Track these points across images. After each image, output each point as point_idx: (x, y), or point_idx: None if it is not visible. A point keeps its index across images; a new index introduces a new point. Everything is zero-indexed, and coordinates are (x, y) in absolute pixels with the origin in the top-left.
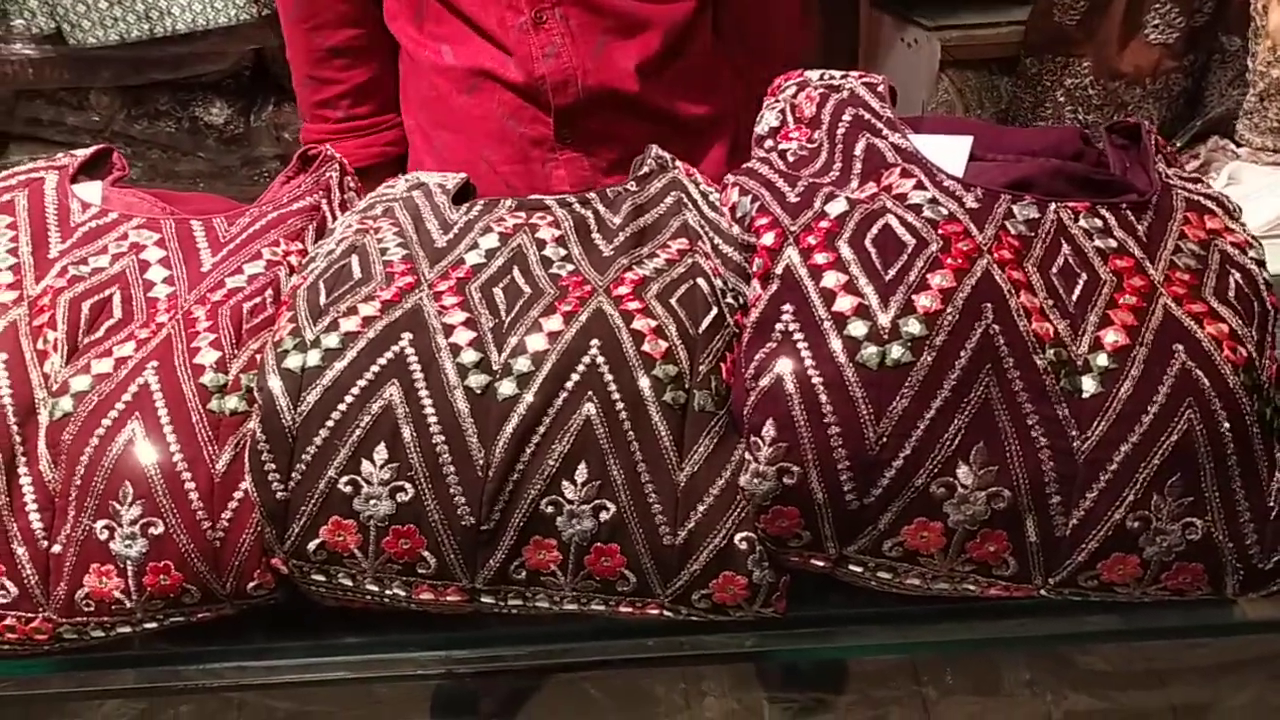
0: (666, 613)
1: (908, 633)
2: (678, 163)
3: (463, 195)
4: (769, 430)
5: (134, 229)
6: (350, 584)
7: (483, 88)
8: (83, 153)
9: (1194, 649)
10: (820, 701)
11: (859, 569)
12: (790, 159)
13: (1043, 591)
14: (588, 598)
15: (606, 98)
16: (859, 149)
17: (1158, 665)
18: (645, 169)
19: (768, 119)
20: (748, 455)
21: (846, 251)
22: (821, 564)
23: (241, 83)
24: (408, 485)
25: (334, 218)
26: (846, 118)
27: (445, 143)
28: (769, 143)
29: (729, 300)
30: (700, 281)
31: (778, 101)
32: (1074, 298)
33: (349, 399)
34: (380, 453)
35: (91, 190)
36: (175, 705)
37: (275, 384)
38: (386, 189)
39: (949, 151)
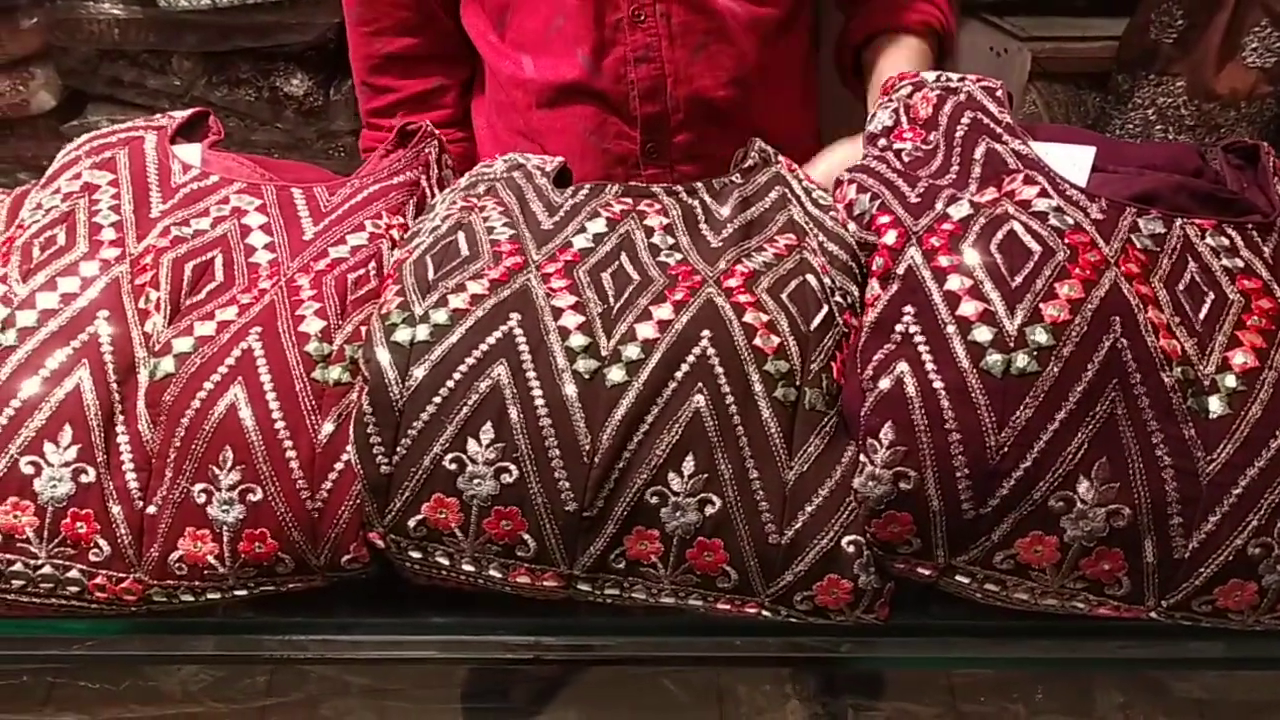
0: (765, 613)
1: (1009, 647)
2: (780, 157)
3: (560, 180)
4: (887, 433)
5: (235, 193)
6: (446, 563)
7: (565, 103)
8: (181, 114)
9: None
10: (905, 713)
11: (966, 580)
12: (906, 159)
13: (1153, 614)
14: (686, 592)
15: (696, 107)
16: (979, 153)
17: (1257, 696)
18: (749, 162)
19: (881, 118)
20: (862, 458)
21: (971, 256)
22: (927, 573)
23: (324, 55)
24: (512, 467)
25: (432, 194)
26: (965, 120)
27: (521, 150)
28: (882, 142)
29: (837, 299)
30: (810, 278)
31: (891, 101)
32: (1201, 316)
33: (457, 376)
34: (486, 432)
35: (191, 152)
36: (252, 674)
37: (384, 357)
38: (485, 168)
39: (1072, 161)
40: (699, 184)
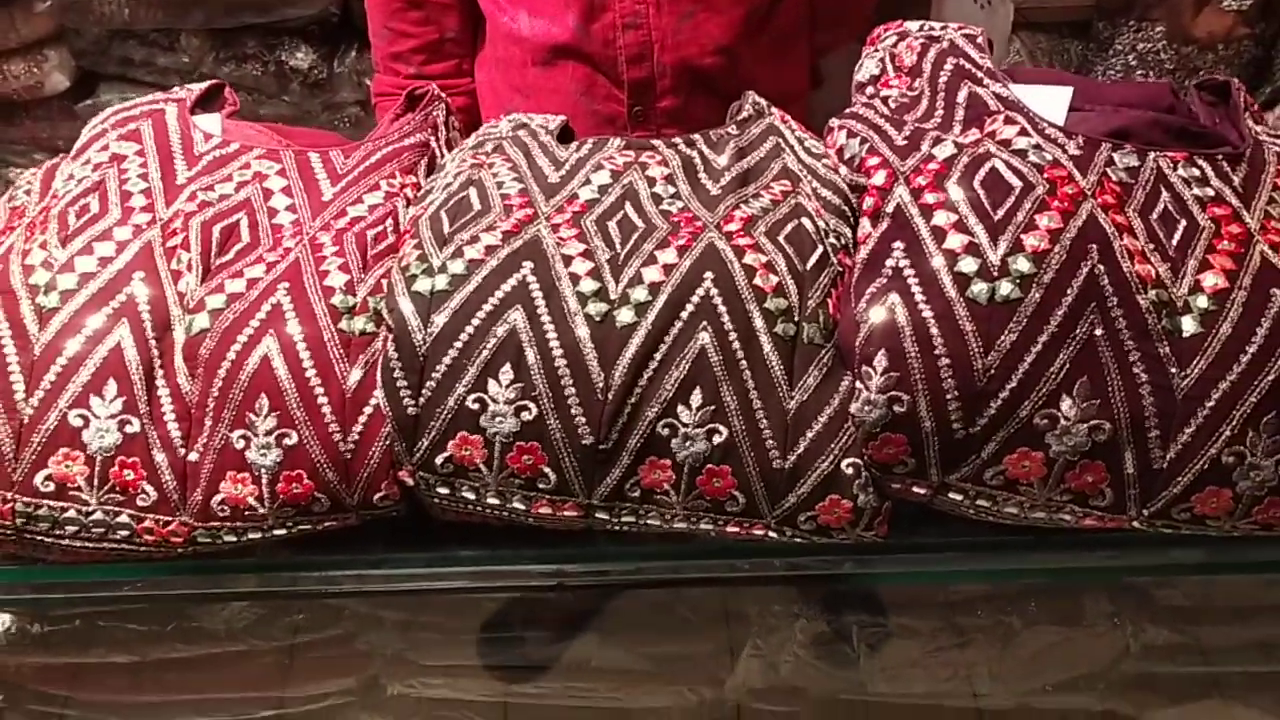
0: (771, 533)
1: (1001, 560)
2: (773, 109)
3: (563, 137)
4: (880, 360)
5: (255, 159)
6: (472, 497)
7: (557, 62)
8: (198, 86)
9: (1275, 586)
10: (906, 628)
11: (959, 497)
12: (892, 105)
13: (1136, 524)
14: (697, 517)
15: (682, 73)
16: (961, 97)
17: (1238, 601)
18: (744, 114)
19: (868, 67)
20: (858, 384)
21: (956, 192)
22: (922, 491)
23: (327, 29)
24: (531, 405)
25: (441, 154)
26: (948, 67)
27: (517, 107)
28: (870, 90)
29: (831, 240)
30: (805, 221)
31: (877, 51)
32: (1174, 242)
33: (475, 322)
34: (506, 373)
35: (211, 122)
36: (290, 611)
37: (406, 306)
38: (490, 128)
39: (1050, 101)
40: (697, 135)
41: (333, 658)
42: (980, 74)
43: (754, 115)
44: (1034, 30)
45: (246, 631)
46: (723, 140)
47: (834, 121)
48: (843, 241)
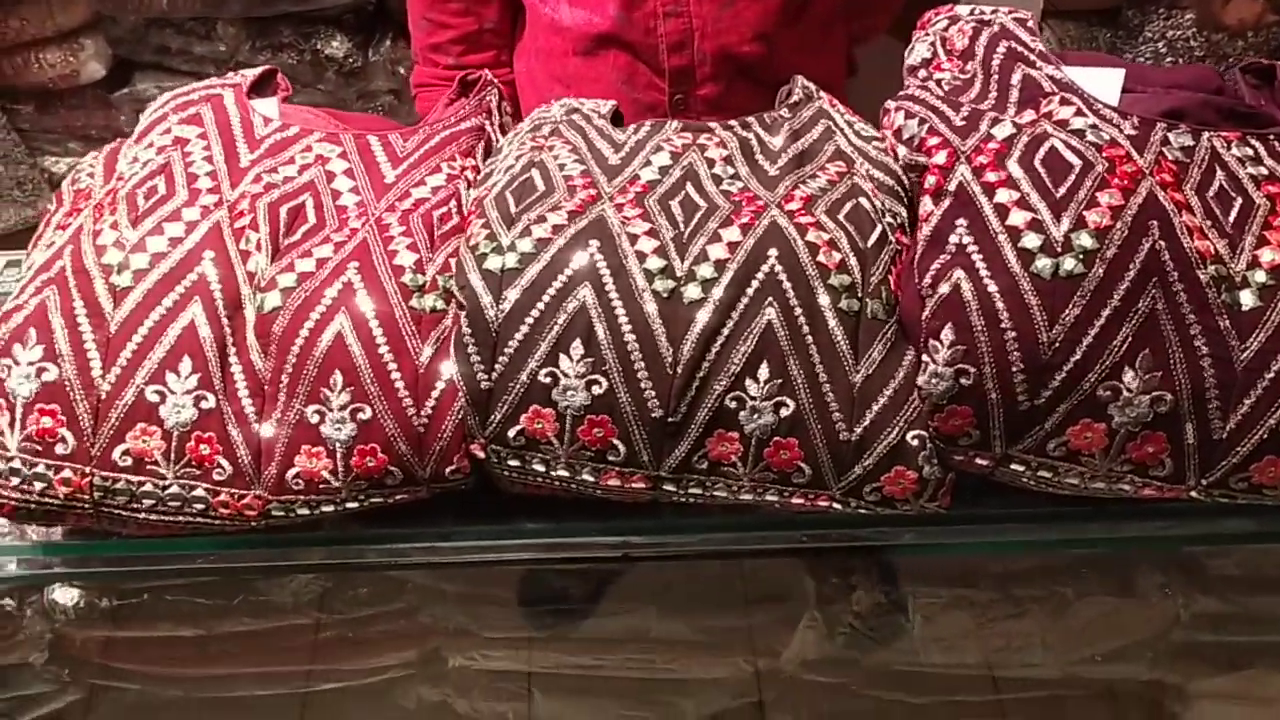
0: (836, 505)
1: (1058, 531)
2: (821, 93)
3: (613, 122)
4: (947, 334)
5: (316, 142)
6: (542, 469)
7: (598, 51)
8: (251, 72)
9: None
10: (962, 597)
11: (1020, 468)
12: (945, 88)
13: (1194, 494)
14: (763, 489)
15: (722, 61)
16: (1015, 79)
17: None
18: (795, 97)
19: (919, 51)
20: (925, 358)
21: (1017, 171)
22: (985, 463)
23: (362, 17)
24: (602, 379)
25: (496, 139)
26: (1001, 50)
27: (557, 96)
28: (922, 73)
29: (888, 219)
30: (862, 200)
31: (928, 35)
32: (1230, 219)
33: (546, 298)
34: (576, 348)
35: (268, 106)
36: (355, 585)
37: (478, 283)
38: (543, 112)
39: (1103, 82)
40: (750, 118)
41: (395, 631)
42: (1033, 56)
43: (804, 99)
44: (1063, 18)
45: (311, 605)
46: (776, 123)
47: (890, 104)
48: (899, 220)
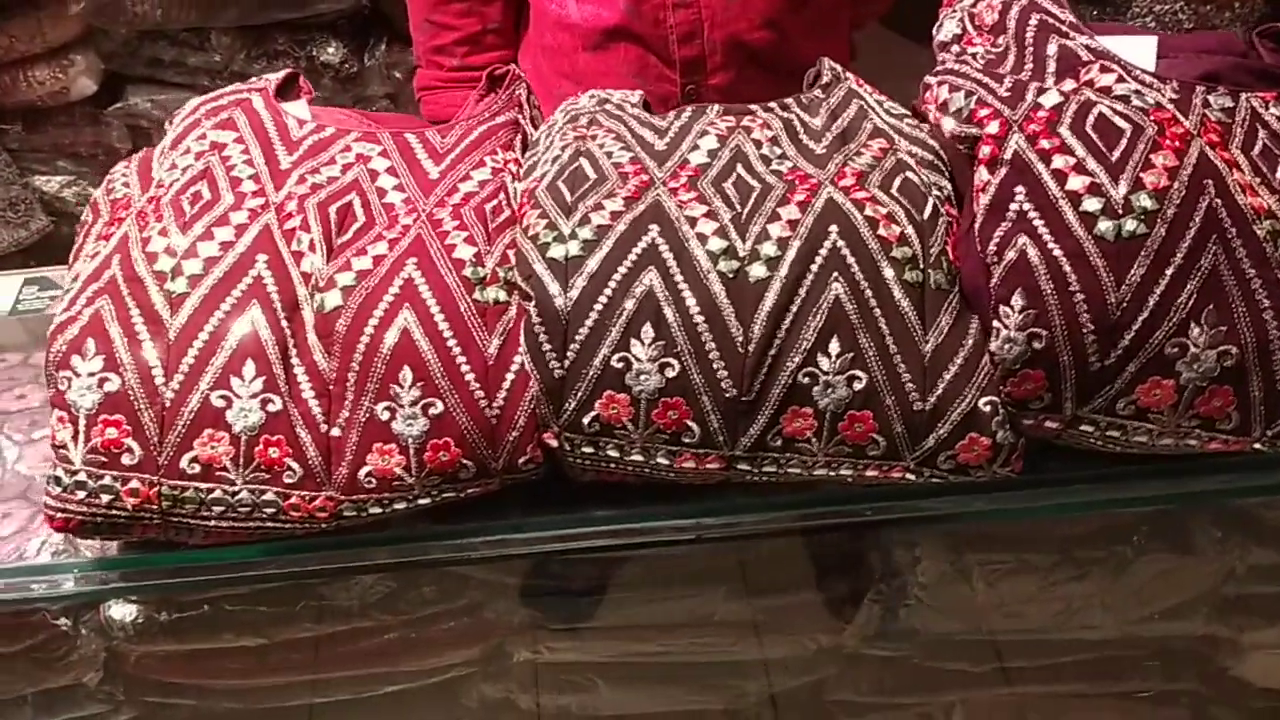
0: (910, 475)
1: (1125, 489)
2: (847, 73)
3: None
4: (1018, 299)
5: (354, 141)
6: (616, 455)
7: (608, 45)
8: (274, 76)
9: None
10: (1026, 562)
11: (1090, 429)
12: (981, 61)
13: (1259, 445)
14: (838, 463)
15: (732, 49)
16: (1051, 50)
17: None
18: (824, 78)
19: (948, 27)
20: (995, 324)
21: (1070, 137)
22: (1054, 425)
23: (356, 23)
24: (674, 362)
25: (528, 132)
26: (1033, 23)
27: (566, 92)
28: (955, 48)
29: (935, 193)
30: (910, 175)
31: (955, 11)
32: (1278, 176)
33: (612, 285)
34: (647, 333)
35: (299, 108)
36: (419, 584)
37: (544, 272)
38: (572, 104)
39: (1137, 50)
40: (789, 99)
41: (458, 629)
42: (1065, 28)
43: (833, 80)
44: None
45: (376, 607)
46: (814, 103)
47: (930, 79)
48: (945, 193)
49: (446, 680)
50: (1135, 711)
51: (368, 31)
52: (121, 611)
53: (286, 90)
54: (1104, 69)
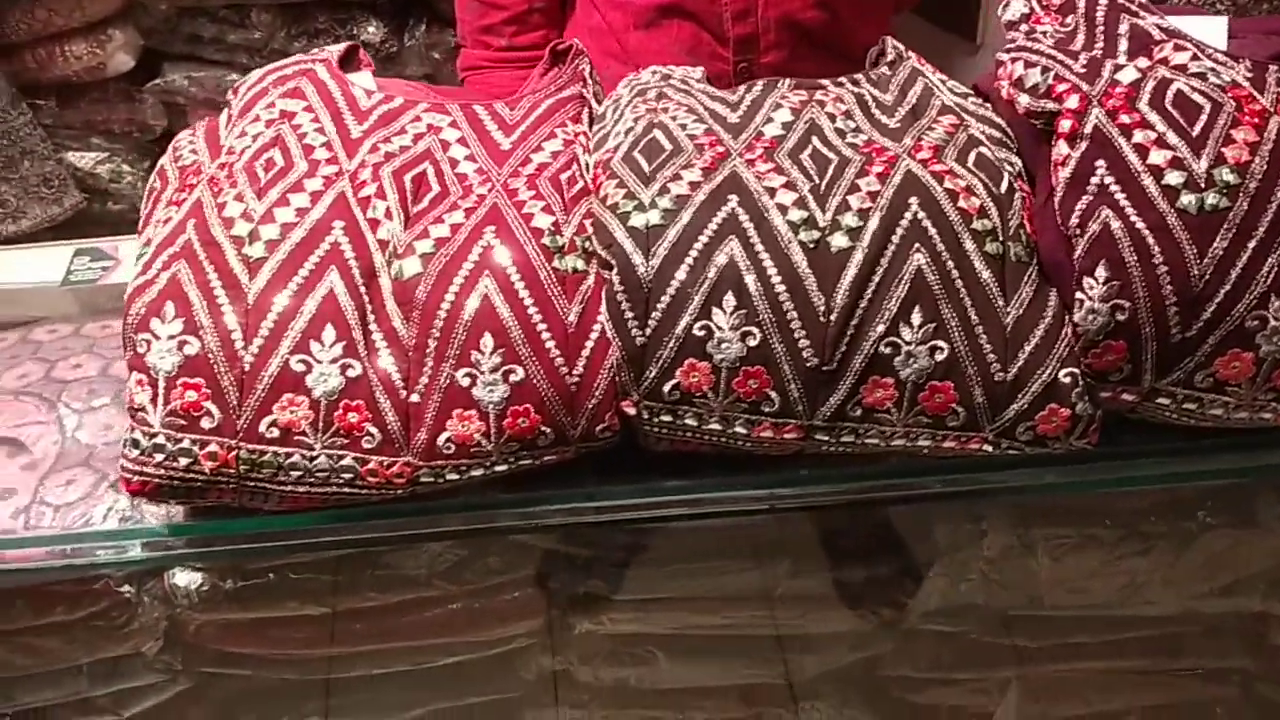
0: (988, 446)
1: (1197, 462)
2: (909, 52)
3: None
4: (1101, 271)
5: (424, 112)
6: (694, 424)
7: (661, 22)
8: (337, 48)
9: None
10: (1091, 537)
11: (1167, 401)
12: (1051, 40)
13: None
14: (916, 433)
15: (785, 28)
16: (1122, 29)
17: None
18: (889, 56)
19: (1015, 6)
20: (1079, 295)
21: (1150, 112)
22: (1131, 398)
23: (397, 3)
24: (756, 330)
25: (592, 106)
26: (1103, 1)
27: (615, 73)
28: (1024, 27)
29: (1007, 168)
30: (984, 150)
31: None
32: None
33: (694, 253)
34: (729, 301)
35: (364, 78)
36: (487, 554)
37: (625, 240)
38: (634, 79)
39: (1208, 29)
40: (859, 75)
41: (523, 599)
42: (1135, 7)
43: (897, 58)
44: None
45: (442, 576)
46: (883, 79)
47: (1002, 55)
48: (1016, 169)
49: (507, 652)
50: (1186, 688)
51: (407, 11)
52: (186, 579)
53: (346, 63)
54: (1178, 47)
